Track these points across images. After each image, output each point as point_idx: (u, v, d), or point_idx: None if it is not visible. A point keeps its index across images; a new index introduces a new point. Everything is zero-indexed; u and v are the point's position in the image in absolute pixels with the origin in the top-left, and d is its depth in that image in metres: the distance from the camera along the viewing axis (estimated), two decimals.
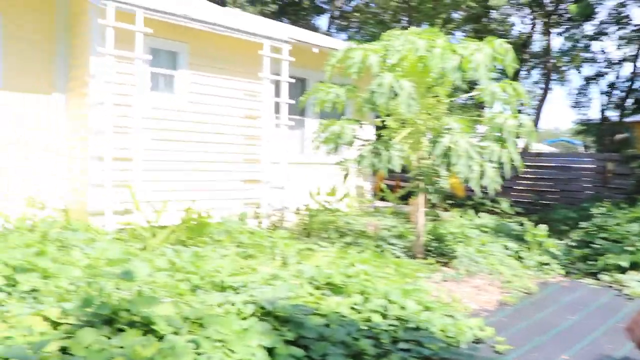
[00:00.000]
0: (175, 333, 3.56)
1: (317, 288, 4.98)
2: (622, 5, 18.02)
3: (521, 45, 21.52)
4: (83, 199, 7.73)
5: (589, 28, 19.11)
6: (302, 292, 4.68)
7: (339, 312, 4.37)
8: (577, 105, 22.02)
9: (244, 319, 3.92)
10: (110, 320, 3.60)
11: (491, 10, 20.36)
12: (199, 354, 3.34)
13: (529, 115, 24.53)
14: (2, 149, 7.74)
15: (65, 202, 8.16)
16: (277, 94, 9.81)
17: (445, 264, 7.19)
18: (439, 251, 7.59)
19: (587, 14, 17.17)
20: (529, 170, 14.87)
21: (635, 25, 18.56)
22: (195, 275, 4.80)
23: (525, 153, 13.49)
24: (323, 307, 4.41)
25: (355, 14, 31.22)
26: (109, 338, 3.39)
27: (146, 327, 3.57)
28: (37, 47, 8.02)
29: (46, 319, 3.63)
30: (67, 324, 3.56)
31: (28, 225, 6.77)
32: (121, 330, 3.51)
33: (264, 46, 9.26)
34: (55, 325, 3.58)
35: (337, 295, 4.80)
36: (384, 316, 4.49)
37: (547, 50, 20.31)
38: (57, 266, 4.68)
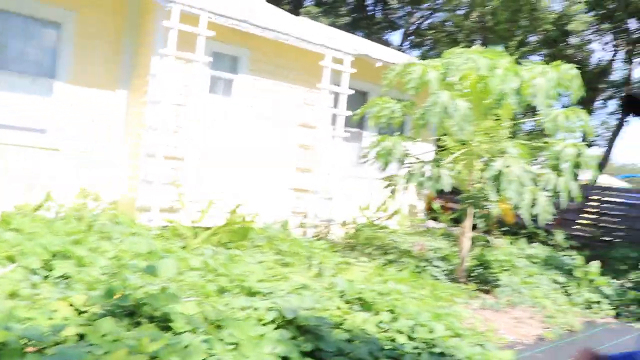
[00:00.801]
0: (192, 332, 3.56)
1: (347, 302, 4.89)
2: None
3: (599, 74, 20.74)
4: (133, 194, 7.91)
5: None
6: (330, 305, 4.61)
7: (364, 328, 4.28)
8: None
9: (264, 325, 3.88)
10: (131, 313, 3.64)
11: (569, 35, 19.73)
12: (210, 355, 3.32)
13: (599, 146, 23.61)
14: (68, 139, 8.00)
15: (118, 196, 8.37)
16: (336, 105, 9.79)
17: (486, 292, 6.94)
18: (482, 278, 7.34)
19: None
20: (593, 204, 14.24)
21: None
22: (225, 278, 4.80)
23: (589, 185, 12.91)
24: (348, 322, 4.33)
25: (430, 31, 30.99)
26: (128, 330, 3.42)
27: (165, 322, 3.58)
28: (106, 45, 8.29)
29: (72, 305, 3.71)
30: (90, 312, 3.62)
31: (78, 215, 6.97)
32: (140, 323, 3.54)
33: (325, 56, 9.27)
34: (80, 312, 3.65)
35: (365, 311, 4.70)
36: (411, 338, 4.35)
37: (627, 80, 19.48)
38: (92, 255, 4.79)
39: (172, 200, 7.85)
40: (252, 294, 4.61)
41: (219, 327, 3.70)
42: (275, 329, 3.84)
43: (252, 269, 5.23)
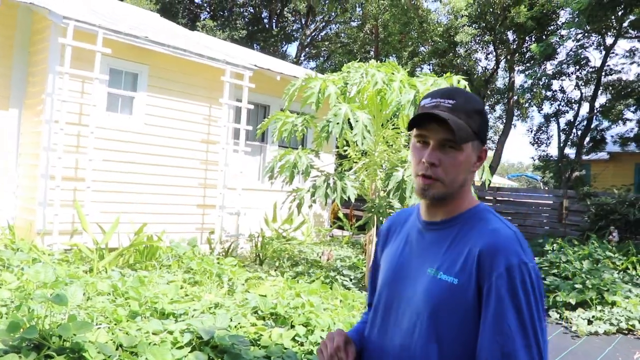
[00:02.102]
0: None
1: (261, 318, 4.94)
2: (582, 47, 18.62)
3: (485, 81, 21.99)
4: (32, 218, 7.56)
5: (549, 67, 19.67)
6: (245, 322, 4.63)
7: (281, 344, 4.31)
8: (536, 142, 22.53)
9: (180, 348, 3.84)
10: (39, 346, 3.51)
11: (457, 46, 20.80)
12: None
13: (491, 149, 25.00)
14: None
15: (14, 221, 7.98)
16: (238, 119, 9.81)
17: None
18: None
19: (548, 54, 17.67)
20: (487, 204, 15.09)
21: (592, 67, 19.18)
22: (136, 301, 4.71)
23: (482, 187, 13.70)
24: (264, 338, 4.36)
25: (325, 43, 31.62)
26: None
27: (76, 354, 3.48)
28: None
29: None
30: None
31: None
32: (50, 357, 3.41)
33: (225, 72, 9.27)
34: None
35: (280, 326, 4.76)
36: None
37: (510, 87, 20.78)
38: None
39: (74, 222, 7.57)
40: (165, 316, 4.56)
41: (133, 353, 3.64)
42: (191, 351, 3.82)
43: (163, 290, 5.16)
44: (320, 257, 8.74)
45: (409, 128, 1.53)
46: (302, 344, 4.46)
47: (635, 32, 17.62)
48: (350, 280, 7.52)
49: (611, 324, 6.57)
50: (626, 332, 6.55)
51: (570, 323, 6.73)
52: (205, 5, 30.39)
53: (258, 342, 4.27)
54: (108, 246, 6.94)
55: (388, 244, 1.77)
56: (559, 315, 7.03)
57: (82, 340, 3.50)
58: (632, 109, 19.47)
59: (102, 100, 8.09)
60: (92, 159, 7.59)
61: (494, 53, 21.71)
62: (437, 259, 1.53)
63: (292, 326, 4.72)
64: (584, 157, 20.47)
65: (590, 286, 7.30)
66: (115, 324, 4.21)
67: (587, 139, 19.74)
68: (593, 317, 6.77)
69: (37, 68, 7.91)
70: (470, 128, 1.49)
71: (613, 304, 7.02)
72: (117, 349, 3.66)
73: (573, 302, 7.08)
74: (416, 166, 1.54)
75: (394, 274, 1.65)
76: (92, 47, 7.53)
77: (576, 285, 7.45)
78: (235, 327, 4.48)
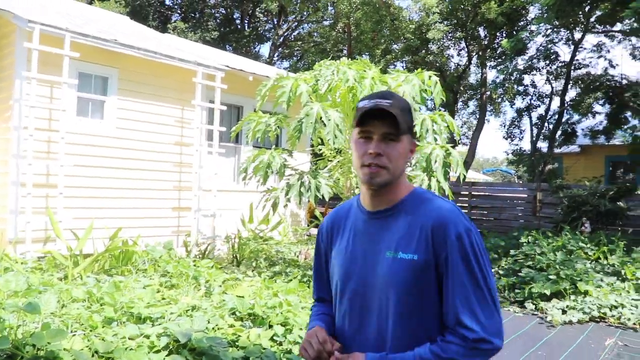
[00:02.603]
0: None
1: (239, 319, 4.92)
2: (551, 42, 18.86)
3: (458, 77, 22.14)
4: (2, 227, 7.44)
5: (520, 62, 19.88)
6: (222, 324, 4.62)
7: (259, 344, 4.31)
8: (509, 136, 22.75)
9: (157, 352, 3.82)
10: (11, 356, 3.46)
11: (429, 43, 20.91)
12: None
13: (465, 145, 25.23)
14: None
15: None
16: (211, 121, 9.76)
17: None
18: None
19: (519, 49, 17.85)
20: (463, 199, 15.26)
21: (562, 62, 19.42)
22: (111, 307, 4.66)
23: (458, 182, 13.82)
24: (242, 339, 4.35)
25: (298, 42, 31.58)
26: None
27: None
28: None
29: None
30: None
31: None
32: None
33: (197, 73, 9.22)
34: None
35: (258, 326, 4.75)
36: None
37: (482, 82, 20.95)
38: None
39: (46, 229, 7.47)
40: (141, 320, 4.53)
41: (110, 359, 3.61)
42: (169, 354, 3.81)
43: (139, 294, 5.12)
44: (297, 257, 8.74)
45: (356, 125, 1.71)
46: (280, 344, 4.47)
47: (602, 27, 17.90)
48: None
49: (584, 313, 6.69)
50: (598, 320, 6.68)
51: (546, 314, 6.83)
52: (175, 7, 30.13)
53: (236, 343, 4.27)
54: (82, 252, 6.86)
55: (335, 241, 1.91)
56: (534, 306, 7.13)
57: (56, 349, 3.46)
58: (601, 102, 19.76)
59: (71, 105, 7.99)
60: (63, 165, 7.50)
61: (466, 49, 21.86)
62: (392, 242, 1.70)
63: (270, 326, 4.73)
64: (556, 151, 20.72)
65: (564, 277, 7.41)
66: (91, 331, 4.17)
67: (559, 132, 19.97)
68: (567, 306, 6.88)
69: (4, 74, 7.78)
70: (406, 123, 1.70)
71: (586, 293, 7.14)
72: (92, 356, 3.63)
73: (548, 292, 7.18)
74: (361, 158, 1.70)
75: (352, 265, 1.79)
76: (60, 51, 7.44)
77: (550, 276, 7.55)
78: (213, 329, 4.47)
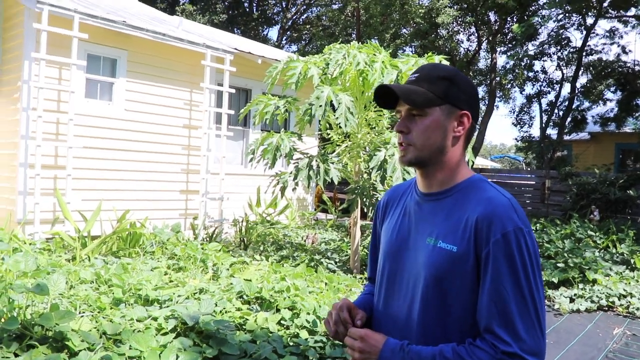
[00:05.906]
0: (90, 349, 3.45)
1: (246, 303, 4.93)
2: (563, 27, 18.66)
3: (467, 63, 21.97)
4: (11, 208, 7.46)
5: (531, 48, 19.69)
6: (230, 307, 4.62)
7: (266, 327, 4.31)
8: (519, 122, 22.61)
9: (165, 334, 3.83)
10: (20, 336, 3.47)
11: (438, 27, 20.73)
12: None
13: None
14: None
15: None
16: (220, 104, 9.73)
17: None
18: None
19: (530, 34, 17.68)
20: None
21: (573, 48, 19.24)
22: (119, 288, 4.68)
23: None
24: (250, 323, 4.35)
25: (307, 26, 31.40)
26: (18, 355, 3.26)
27: (59, 342, 3.45)
28: None
29: None
30: None
31: None
32: (32, 346, 3.38)
33: (206, 56, 9.17)
34: None
35: (266, 310, 4.75)
36: (313, 332, 4.44)
37: (492, 68, 20.78)
38: None
39: (55, 211, 7.49)
40: (149, 303, 4.53)
41: (117, 341, 3.62)
42: (176, 337, 3.81)
43: (147, 276, 5.12)
44: (304, 241, 8.74)
45: (386, 107, 1.69)
46: (287, 328, 4.46)
47: (615, 12, 17.67)
48: (335, 263, 7.53)
49: (592, 302, 6.67)
50: (606, 308, 6.64)
51: (553, 302, 6.80)
52: None
53: (243, 327, 4.27)
54: (90, 234, 6.88)
55: (387, 217, 1.86)
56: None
57: (65, 329, 3.47)
58: (612, 89, 19.59)
59: (80, 86, 7.97)
60: (72, 147, 7.50)
61: (476, 34, 21.68)
62: (435, 229, 1.60)
63: (278, 310, 4.72)
64: (566, 138, 20.60)
65: (572, 265, 7.38)
66: (99, 312, 4.18)
67: (569, 119, 19.84)
68: (575, 295, 6.85)
69: (12, 55, 7.76)
70: (434, 93, 1.58)
71: (594, 282, 7.11)
72: (100, 337, 3.64)
73: (556, 280, 7.15)
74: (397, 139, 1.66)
75: (395, 246, 1.73)
76: (69, 33, 7.40)
77: (559, 265, 7.52)
78: (220, 312, 4.47)
